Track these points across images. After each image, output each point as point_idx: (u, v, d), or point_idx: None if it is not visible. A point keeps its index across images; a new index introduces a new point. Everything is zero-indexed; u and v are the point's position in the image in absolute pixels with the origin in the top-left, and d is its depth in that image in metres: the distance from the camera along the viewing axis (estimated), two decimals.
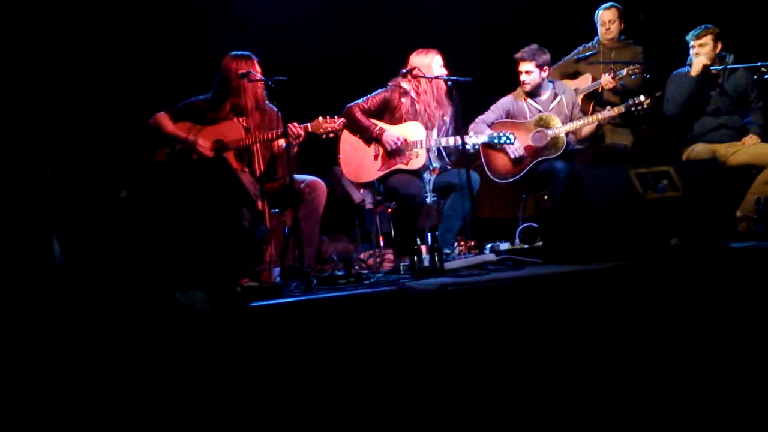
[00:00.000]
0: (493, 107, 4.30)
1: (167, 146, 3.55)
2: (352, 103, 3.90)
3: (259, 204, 3.39)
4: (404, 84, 3.92)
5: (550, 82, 4.28)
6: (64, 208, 2.43)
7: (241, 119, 3.59)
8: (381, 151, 3.88)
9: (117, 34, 4.35)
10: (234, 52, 3.57)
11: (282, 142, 3.54)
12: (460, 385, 2.14)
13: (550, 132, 4.10)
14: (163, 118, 3.54)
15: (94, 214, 2.42)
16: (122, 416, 1.97)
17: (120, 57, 4.35)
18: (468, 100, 3.82)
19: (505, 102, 4.30)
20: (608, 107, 4.12)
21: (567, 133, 4.09)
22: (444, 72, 3.89)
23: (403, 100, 3.89)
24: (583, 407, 2.16)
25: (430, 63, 3.90)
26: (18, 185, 2.63)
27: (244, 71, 3.46)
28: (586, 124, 4.13)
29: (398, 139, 3.81)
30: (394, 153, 3.83)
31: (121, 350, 2.02)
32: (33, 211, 2.44)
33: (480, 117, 4.26)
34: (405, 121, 3.88)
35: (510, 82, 4.36)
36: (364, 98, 3.93)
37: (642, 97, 4.01)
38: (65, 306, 2.07)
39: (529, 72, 4.16)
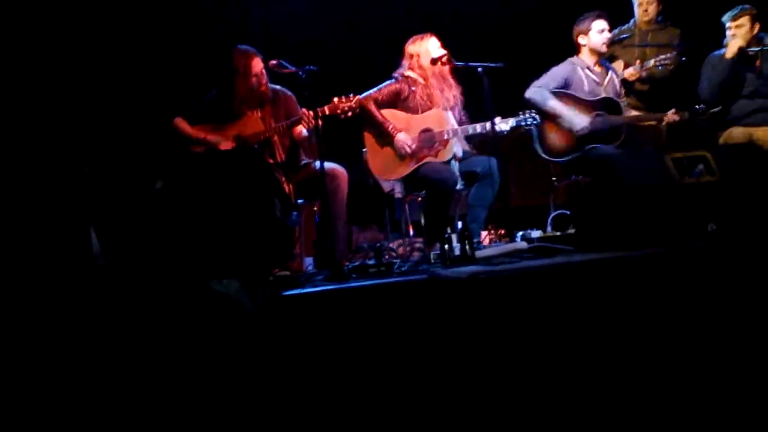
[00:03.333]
0: (550, 74, 4.11)
1: (189, 147, 3.57)
2: (364, 94, 3.82)
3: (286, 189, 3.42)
4: (409, 73, 3.88)
5: (601, 59, 4.18)
6: (101, 201, 2.48)
7: (256, 112, 3.61)
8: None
9: (146, 30, 4.40)
10: (238, 46, 3.60)
11: (301, 128, 3.55)
12: (493, 373, 2.13)
13: (612, 119, 3.96)
14: (181, 123, 3.59)
15: (130, 205, 2.46)
16: (161, 401, 2.01)
17: (155, 51, 4.40)
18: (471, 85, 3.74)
19: (565, 70, 4.12)
20: (673, 110, 3.97)
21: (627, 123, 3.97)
22: (443, 52, 3.82)
23: (413, 88, 3.85)
24: (616, 396, 2.14)
25: (427, 48, 3.85)
26: (56, 179, 2.69)
27: (240, 65, 3.50)
28: (649, 119, 4.04)
29: (408, 146, 3.75)
30: (422, 146, 3.80)
31: (157, 339, 2.06)
32: (71, 203, 2.49)
33: (537, 82, 4.08)
34: (423, 110, 3.83)
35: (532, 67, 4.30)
36: (376, 89, 3.86)
37: (707, 107, 3.90)
38: (104, 297, 2.11)
39: (604, 30, 4.06)
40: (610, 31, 4.10)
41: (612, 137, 3.94)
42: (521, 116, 3.77)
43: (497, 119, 3.71)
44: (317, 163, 3.27)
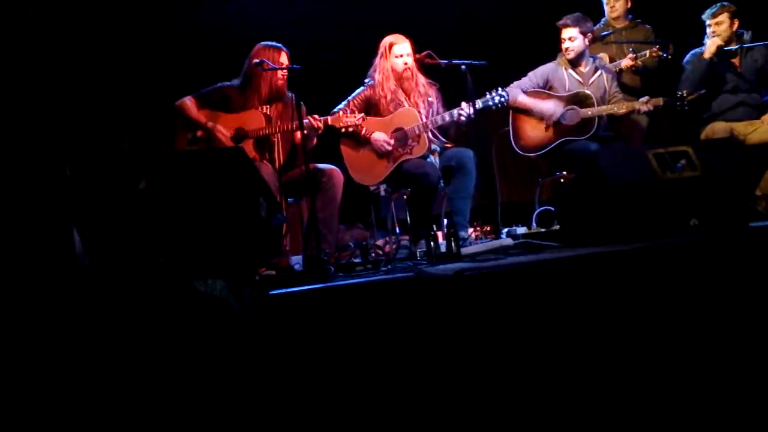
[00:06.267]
0: (531, 74, 4.20)
1: (189, 131, 3.59)
2: (334, 109, 3.89)
3: (276, 194, 3.40)
4: (378, 76, 3.89)
5: (591, 56, 4.20)
6: (83, 201, 2.46)
7: (263, 108, 3.62)
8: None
9: (130, 26, 4.36)
10: (264, 42, 3.61)
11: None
12: (479, 371, 2.14)
13: (582, 112, 4.02)
14: (189, 103, 3.58)
15: (113, 205, 2.44)
16: (143, 405, 2.00)
17: (133, 49, 4.37)
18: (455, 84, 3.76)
19: (546, 69, 4.19)
20: (646, 97, 3.98)
21: (600, 116, 4.00)
22: (405, 59, 3.83)
23: (382, 92, 3.87)
24: (603, 394, 2.16)
25: (388, 48, 3.86)
26: (37, 179, 2.66)
27: (259, 60, 3.49)
28: (621, 111, 4.03)
29: (387, 143, 3.78)
30: (396, 146, 3.81)
31: (143, 340, 2.05)
32: (53, 204, 2.47)
33: (516, 82, 4.17)
34: (393, 111, 3.86)
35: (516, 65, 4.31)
36: (345, 101, 3.92)
37: (685, 92, 3.93)
38: (86, 297, 2.10)
39: (573, 38, 4.06)
40: (579, 37, 4.08)
41: (584, 129, 3.99)
42: (488, 96, 3.77)
43: (464, 104, 3.72)
44: (318, 165, 3.41)
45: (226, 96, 3.62)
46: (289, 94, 3.68)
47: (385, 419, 2.09)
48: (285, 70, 3.56)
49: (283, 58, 3.58)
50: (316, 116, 3.56)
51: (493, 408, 2.11)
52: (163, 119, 3.99)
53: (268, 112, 3.64)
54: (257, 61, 3.49)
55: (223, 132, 3.53)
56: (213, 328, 2.08)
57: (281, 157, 3.62)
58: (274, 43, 3.61)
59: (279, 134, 3.61)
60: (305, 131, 3.35)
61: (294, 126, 3.53)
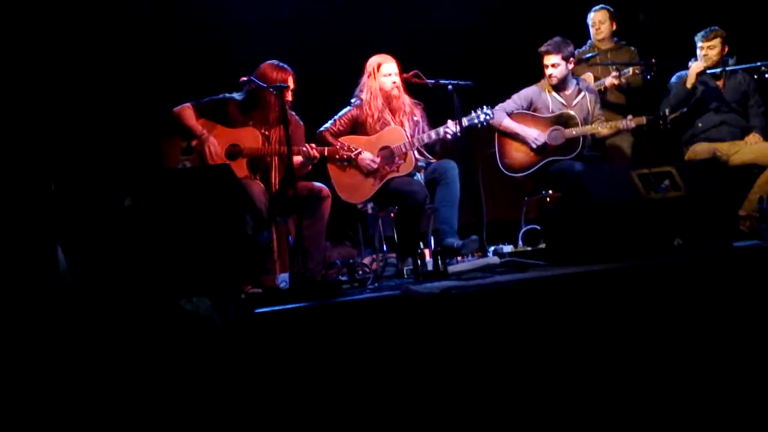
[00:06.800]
0: (515, 96, 4.23)
1: (184, 139, 3.50)
2: (321, 128, 3.91)
3: (265, 212, 3.39)
4: (364, 96, 3.92)
5: (574, 78, 4.25)
6: (68, 217, 2.44)
7: (262, 128, 3.57)
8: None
9: (117, 38, 4.35)
10: (272, 61, 3.55)
11: (298, 158, 3.55)
12: (466, 389, 2.14)
13: (566, 132, 4.06)
14: (187, 111, 3.49)
15: (98, 222, 2.42)
16: (128, 423, 1.97)
17: (121, 61, 4.35)
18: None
19: (529, 92, 4.22)
20: (629, 116, 4.03)
21: (584, 136, 4.04)
22: (392, 79, 3.86)
23: (369, 111, 3.89)
24: (588, 410, 2.16)
25: (376, 68, 3.88)
26: (21, 194, 2.64)
27: (276, 82, 3.40)
28: (604, 130, 4.08)
29: (373, 161, 3.80)
30: (382, 164, 3.83)
31: (126, 357, 2.02)
32: (37, 220, 2.45)
33: (500, 105, 4.18)
34: (380, 130, 3.88)
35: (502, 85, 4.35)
36: (332, 121, 3.93)
37: (667, 111, 3.99)
38: (70, 314, 2.07)
39: (556, 65, 4.10)
40: (561, 63, 4.11)
41: (569, 149, 4.04)
42: (473, 114, 3.81)
43: (449, 122, 3.76)
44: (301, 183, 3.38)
45: (226, 109, 3.56)
46: (293, 115, 3.64)
47: None
48: (291, 92, 3.49)
49: (290, 80, 3.51)
50: (313, 145, 3.56)
51: (479, 425, 2.11)
52: (150, 131, 3.94)
53: (268, 133, 3.58)
54: (275, 83, 3.39)
55: (216, 146, 3.46)
56: (198, 347, 2.07)
57: (276, 180, 3.58)
58: (281, 64, 3.55)
59: (276, 157, 3.56)
60: (302, 159, 3.36)
61: (292, 150, 3.45)
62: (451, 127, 3.75)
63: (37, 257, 2.32)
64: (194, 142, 3.50)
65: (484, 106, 3.83)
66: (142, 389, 1.99)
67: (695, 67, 4.14)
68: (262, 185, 3.50)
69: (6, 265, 2.28)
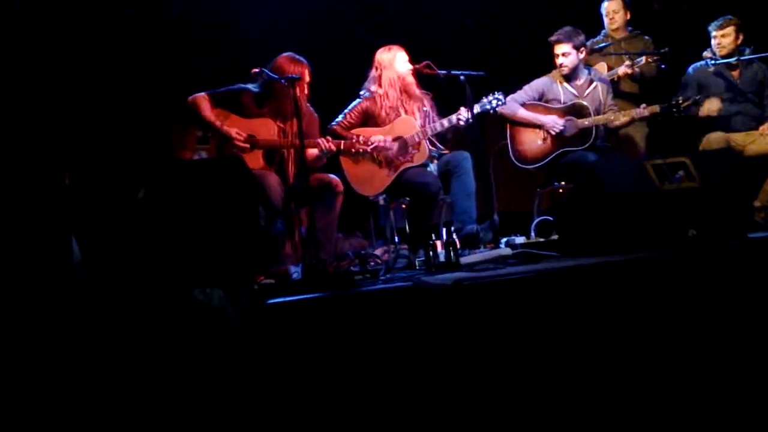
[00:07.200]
0: (526, 87, 4.21)
1: (199, 129, 3.48)
2: (332, 123, 3.90)
3: (281, 204, 3.40)
4: (375, 88, 3.92)
5: (585, 68, 4.21)
6: (82, 209, 2.46)
7: (278, 121, 3.56)
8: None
9: (129, 33, 4.37)
10: (288, 54, 3.54)
11: (313, 151, 3.55)
12: (478, 380, 2.14)
13: (579, 122, 4.03)
14: (202, 101, 3.45)
15: (112, 213, 2.44)
16: (142, 413, 1.99)
17: (133, 57, 4.37)
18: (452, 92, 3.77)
19: (541, 83, 4.20)
20: (643, 105, 3.98)
21: (597, 126, 4.01)
22: (409, 67, 3.86)
23: (380, 102, 3.89)
24: (601, 403, 2.16)
25: (393, 60, 3.89)
26: (37, 187, 2.66)
27: (291, 75, 3.33)
28: (617, 119, 4.03)
29: (389, 146, 3.79)
30: (396, 155, 3.83)
31: (140, 348, 2.04)
32: (52, 212, 2.47)
33: (511, 95, 4.14)
34: (391, 121, 3.87)
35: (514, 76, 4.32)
36: (342, 115, 3.92)
37: (681, 99, 3.94)
38: (85, 306, 2.09)
39: (567, 54, 4.07)
40: (572, 52, 4.08)
41: (582, 139, 4.02)
42: (485, 100, 3.82)
43: (462, 109, 3.75)
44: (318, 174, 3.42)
45: (241, 99, 3.54)
46: (309, 108, 3.63)
47: (384, 428, 2.08)
48: (307, 85, 3.49)
49: (306, 73, 3.51)
50: (329, 138, 3.56)
51: (492, 416, 2.11)
52: (161, 121, 3.95)
53: (284, 126, 3.57)
54: (291, 75, 3.30)
55: (239, 133, 3.43)
56: (211, 337, 2.08)
57: (292, 169, 3.58)
58: (298, 57, 3.54)
59: (292, 149, 3.55)
60: (318, 152, 3.35)
61: (309, 143, 3.46)
62: (463, 114, 3.75)
63: (52, 249, 2.35)
64: (210, 134, 3.48)
65: (496, 92, 3.83)
66: (155, 379, 2.01)
67: (709, 107, 4.09)
68: (278, 177, 3.50)
69: (22, 257, 2.31)
